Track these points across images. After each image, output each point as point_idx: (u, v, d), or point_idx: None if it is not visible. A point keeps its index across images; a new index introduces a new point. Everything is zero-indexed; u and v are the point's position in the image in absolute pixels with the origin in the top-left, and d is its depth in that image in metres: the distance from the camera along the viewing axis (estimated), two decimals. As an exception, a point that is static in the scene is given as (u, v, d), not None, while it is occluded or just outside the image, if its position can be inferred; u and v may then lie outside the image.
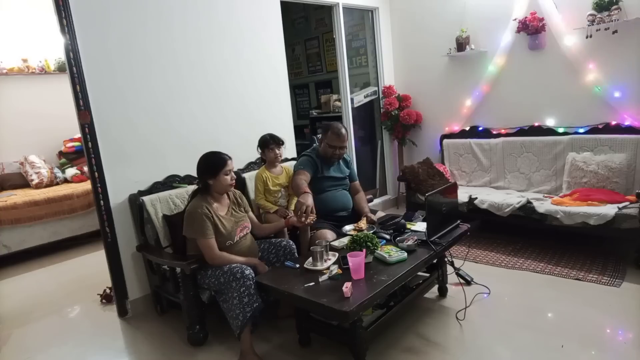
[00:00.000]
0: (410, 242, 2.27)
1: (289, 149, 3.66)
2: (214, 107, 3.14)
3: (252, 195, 3.03)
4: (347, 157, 3.02)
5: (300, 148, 4.03)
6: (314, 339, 2.27)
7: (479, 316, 2.40)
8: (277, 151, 2.88)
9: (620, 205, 2.86)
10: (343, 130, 2.80)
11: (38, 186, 4.59)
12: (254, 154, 3.14)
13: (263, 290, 2.12)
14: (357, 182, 3.08)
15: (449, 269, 2.74)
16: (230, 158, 2.32)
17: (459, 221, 2.63)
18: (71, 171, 4.90)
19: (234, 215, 2.38)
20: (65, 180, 4.88)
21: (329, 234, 2.59)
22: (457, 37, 4.05)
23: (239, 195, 2.51)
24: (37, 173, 4.66)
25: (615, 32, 3.18)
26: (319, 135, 3.03)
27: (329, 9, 4.30)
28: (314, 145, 3.06)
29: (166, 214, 2.68)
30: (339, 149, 2.81)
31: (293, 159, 3.60)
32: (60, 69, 4.94)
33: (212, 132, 3.12)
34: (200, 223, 2.19)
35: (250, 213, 2.55)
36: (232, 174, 2.32)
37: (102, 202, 2.61)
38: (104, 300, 3.00)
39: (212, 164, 2.27)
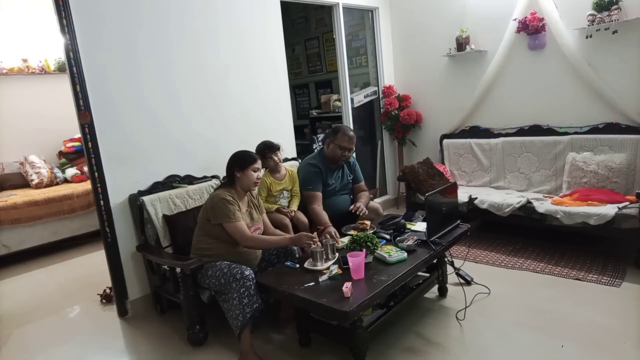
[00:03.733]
0: (410, 242, 2.27)
1: (289, 150, 3.66)
2: (214, 107, 3.13)
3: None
4: (352, 159, 3.03)
5: (300, 148, 4.03)
6: (314, 339, 2.27)
7: (479, 316, 2.40)
8: (276, 158, 2.87)
9: (620, 205, 2.86)
10: (352, 132, 2.86)
11: (38, 186, 4.59)
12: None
13: (263, 291, 2.13)
14: (362, 184, 3.09)
15: (449, 269, 2.74)
16: (260, 160, 2.41)
17: (459, 221, 2.64)
18: (71, 171, 4.90)
19: (251, 214, 2.41)
20: (65, 180, 4.88)
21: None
22: (457, 37, 4.05)
23: (256, 197, 2.55)
24: (37, 173, 4.66)
25: (615, 32, 3.18)
26: (320, 136, 3.03)
27: (329, 9, 4.30)
28: (315, 146, 3.06)
29: (166, 214, 2.69)
30: (348, 150, 2.84)
31: (293, 158, 3.60)
32: (60, 69, 4.94)
33: (213, 132, 3.12)
34: (226, 207, 2.22)
35: (265, 216, 2.56)
36: (259, 174, 2.38)
37: (102, 202, 2.61)
38: (104, 300, 3.00)
39: (244, 157, 2.36)
